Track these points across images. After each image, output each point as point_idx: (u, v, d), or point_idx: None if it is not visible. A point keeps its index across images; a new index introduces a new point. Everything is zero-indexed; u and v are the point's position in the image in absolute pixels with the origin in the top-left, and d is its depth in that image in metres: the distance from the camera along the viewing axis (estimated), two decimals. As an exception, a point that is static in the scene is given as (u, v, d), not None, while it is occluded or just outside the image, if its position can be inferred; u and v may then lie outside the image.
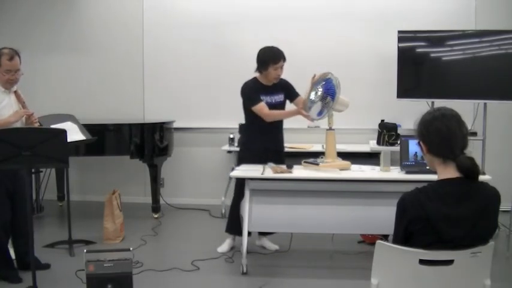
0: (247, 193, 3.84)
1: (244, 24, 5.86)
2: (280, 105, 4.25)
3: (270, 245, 4.42)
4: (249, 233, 4.36)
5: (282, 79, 4.24)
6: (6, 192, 3.65)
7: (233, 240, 4.41)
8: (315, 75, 4.01)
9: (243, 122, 4.39)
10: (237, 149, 5.52)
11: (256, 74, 4.23)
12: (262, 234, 4.45)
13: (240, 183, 4.03)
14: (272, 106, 4.17)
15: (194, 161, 6.14)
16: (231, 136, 5.69)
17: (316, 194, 3.80)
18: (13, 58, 3.65)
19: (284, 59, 4.12)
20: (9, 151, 3.17)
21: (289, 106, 4.36)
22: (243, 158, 4.26)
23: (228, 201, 5.67)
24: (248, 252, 3.91)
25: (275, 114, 4.17)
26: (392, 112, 5.44)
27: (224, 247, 4.37)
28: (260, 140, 4.18)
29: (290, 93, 4.28)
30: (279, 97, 4.24)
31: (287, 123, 4.42)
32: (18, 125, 3.71)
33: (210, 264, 4.07)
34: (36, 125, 3.77)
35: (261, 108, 4.12)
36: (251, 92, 4.17)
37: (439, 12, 5.56)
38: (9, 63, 3.63)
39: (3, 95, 3.69)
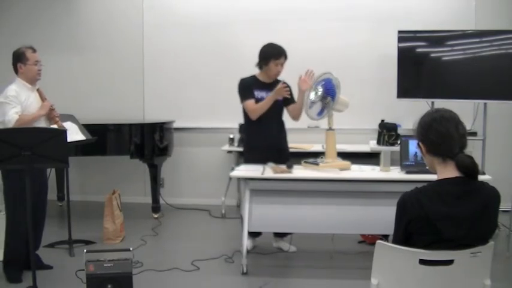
0: (247, 193, 3.84)
1: (244, 24, 5.86)
2: (278, 104, 4.15)
3: (286, 246, 4.35)
4: (259, 234, 4.37)
5: (284, 81, 4.23)
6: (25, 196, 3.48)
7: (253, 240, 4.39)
8: (308, 71, 3.98)
9: (243, 122, 4.37)
10: (237, 149, 5.54)
11: (256, 72, 4.22)
12: (279, 236, 4.39)
13: None
14: None
15: (194, 161, 6.14)
16: (231, 136, 5.69)
17: (316, 194, 3.80)
18: (35, 50, 3.78)
19: (285, 57, 4.12)
20: (9, 151, 3.17)
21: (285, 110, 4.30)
22: (247, 159, 4.23)
23: (228, 202, 5.73)
24: (248, 252, 3.91)
25: (258, 107, 4.08)
26: (393, 112, 5.44)
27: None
28: (261, 139, 4.15)
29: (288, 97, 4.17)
30: None
31: (287, 123, 4.40)
32: (42, 122, 3.76)
33: (210, 264, 4.07)
34: (57, 120, 3.84)
35: (248, 104, 4.10)
36: (243, 88, 4.16)
37: (439, 12, 5.56)
38: (35, 54, 3.77)
39: (29, 91, 3.76)
